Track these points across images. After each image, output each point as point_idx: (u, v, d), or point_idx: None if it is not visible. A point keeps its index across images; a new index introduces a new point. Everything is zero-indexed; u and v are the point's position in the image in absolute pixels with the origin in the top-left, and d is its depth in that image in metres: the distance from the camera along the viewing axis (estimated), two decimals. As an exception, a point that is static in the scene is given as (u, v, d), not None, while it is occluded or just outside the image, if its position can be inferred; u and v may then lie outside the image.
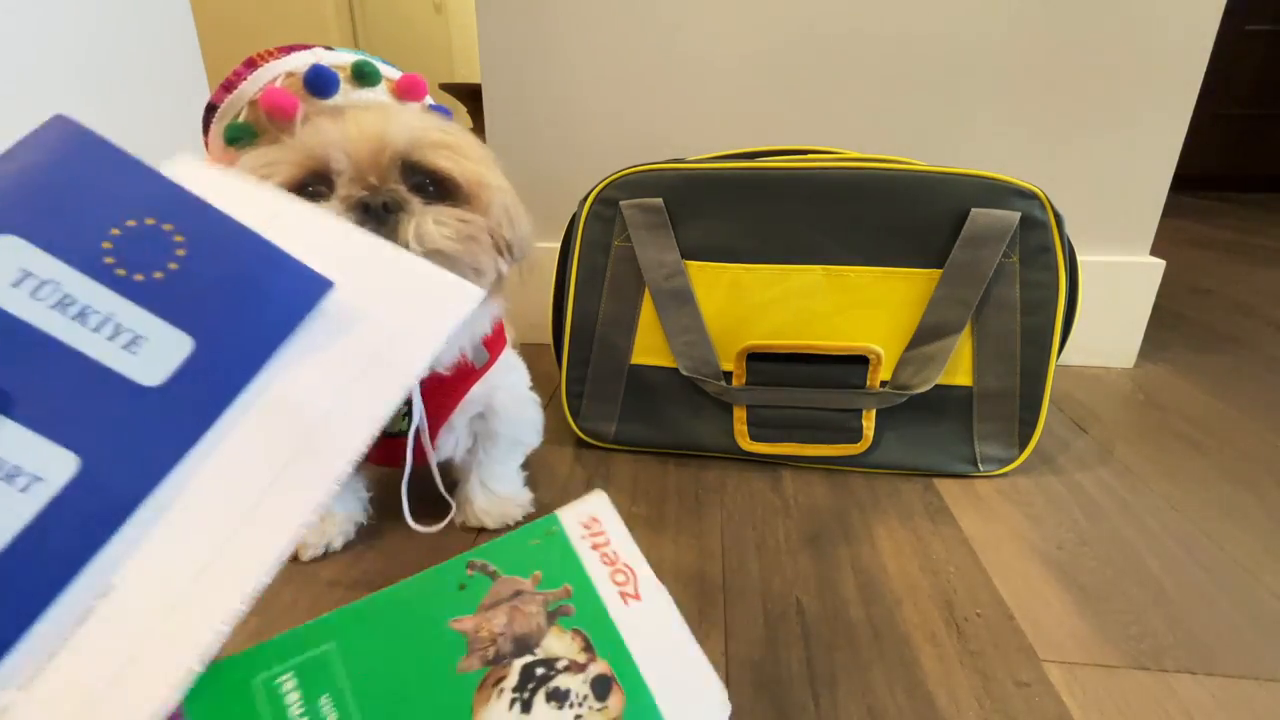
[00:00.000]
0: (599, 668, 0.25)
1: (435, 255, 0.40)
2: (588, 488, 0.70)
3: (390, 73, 0.46)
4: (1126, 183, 0.95)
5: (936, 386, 0.70)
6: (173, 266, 0.24)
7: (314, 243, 0.26)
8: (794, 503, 0.69)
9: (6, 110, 0.74)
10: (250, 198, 0.28)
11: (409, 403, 0.51)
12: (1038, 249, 0.68)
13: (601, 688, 0.25)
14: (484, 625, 0.24)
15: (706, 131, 0.98)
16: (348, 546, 0.60)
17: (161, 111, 0.90)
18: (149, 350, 0.23)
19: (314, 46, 0.45)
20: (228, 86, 0.44)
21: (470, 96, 2.70)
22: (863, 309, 0.70)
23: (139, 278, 0.23)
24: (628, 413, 0.76)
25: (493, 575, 0.26)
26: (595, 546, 0.27)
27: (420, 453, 0.54)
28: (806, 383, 0.72)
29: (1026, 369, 0.70)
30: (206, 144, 0.46)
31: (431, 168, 0.42)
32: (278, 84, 0.42)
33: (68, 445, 0.21)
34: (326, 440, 0.24)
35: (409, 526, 0.53)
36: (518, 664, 0.24)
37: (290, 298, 0.24)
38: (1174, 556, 0.60)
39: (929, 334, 0.69)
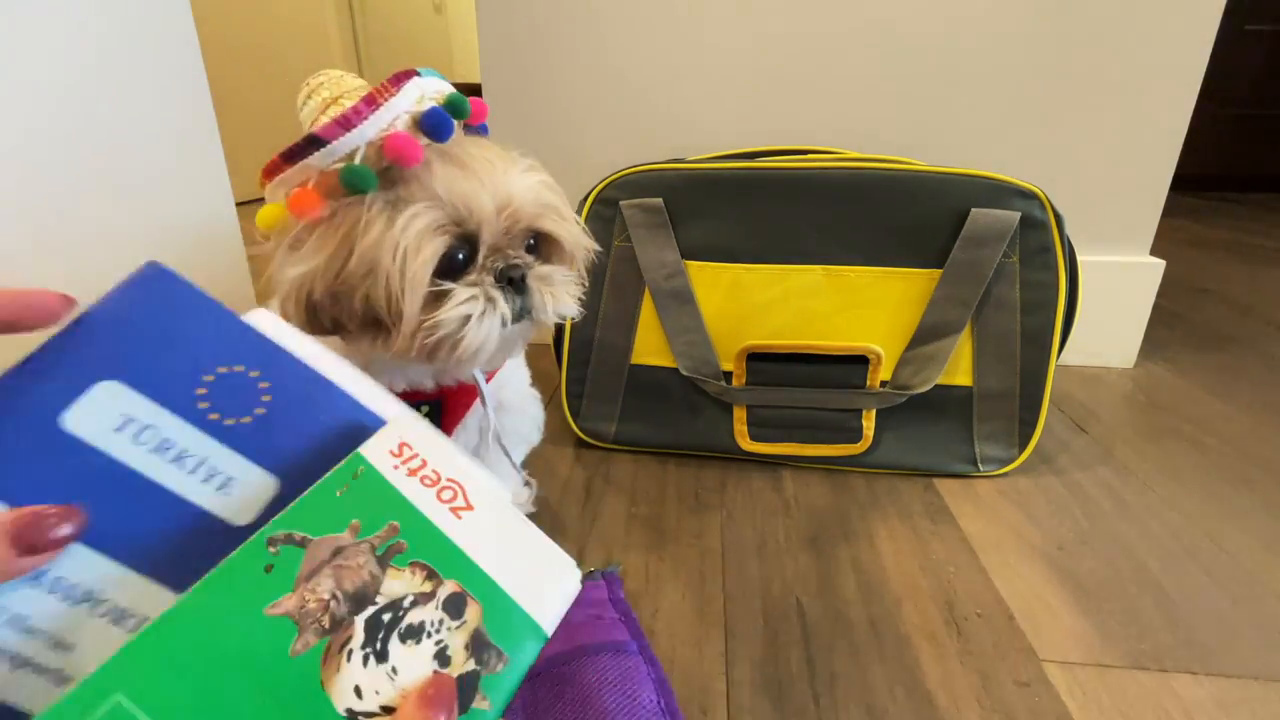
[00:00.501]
0: (448, 588, 0.25)
1: (558, 315, 0.46)
2: (588, 487, 0.70)
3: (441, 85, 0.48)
4: (1126, 183, 0.95)
5: (936, 386, 0.70)
6: (259, 411, 0.25)
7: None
8: (794, 503, 0.69)
9: (7, 111, 0.74)
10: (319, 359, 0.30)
11: (430, 401, 0.53)
12: (1038, 249, 0.68)
13: (455, 606, 0.25)
14: (309, 597, 0.23)
15: (706, 131, 0.98)
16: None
17: (162, 114, 0.90)
18: (239, 491, 0.24)
19: (412, 74, 0.45)
20: (343, 123, 0.43)
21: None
22: (863, 309, 0.70)
23: (230, 422, 0.25)
24: (628, 413, 0.76)
25: (301, 543, 0.24)
26: (412, 473, 0.26)
27: None
28: (806, 383, 0.72)
29: (1026, 369, 0.70)
30: (273, 170, 0.47)
31: (547, 233, 0.47)
32: (399, 124, 0.43)
33: (168, 584, 0.23)
34: None
35: None
36: (360, 620, 0.23)
37: (361, 440, 0.26)
38: (1174, 556, 0.60)
39: (929, 334, 0.69)
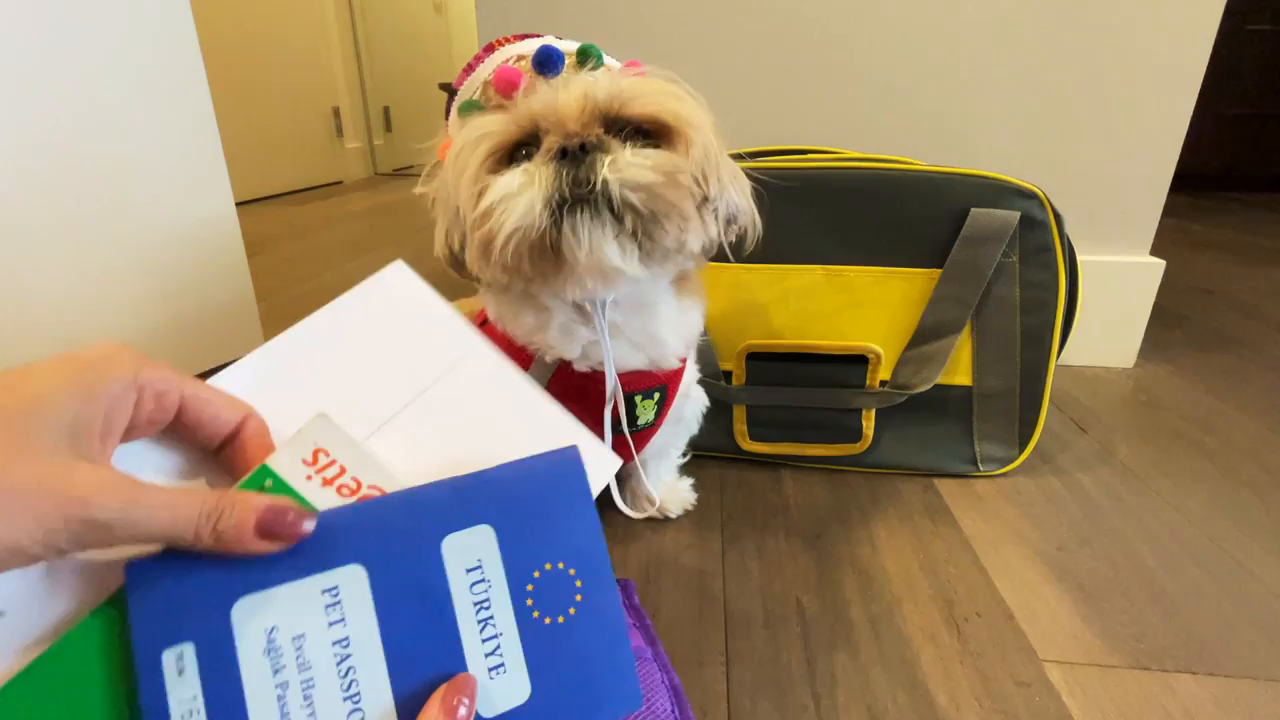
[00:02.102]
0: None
1: (638, 191, 0.39)
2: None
3: (612, 63, 0.47)
4: (1126, 183, 0.95)
5: (936, 386, 0.70)
6: (561, 619, 0.26)
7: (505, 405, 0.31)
8: (794, 503, 0.69)
9: (6, 112, 0.74)
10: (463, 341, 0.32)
11: (655, 394, 0.54)
12: (1038, 248, 0.68)
13: None
14: None
15: (706, 131, 0.98)
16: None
17: (162, 114, 0.90)
18: (501, 683, 0.25)
19: (548, 36, 0.47)
20: (468, 69, 0.47)
21: (470, 96, 2.69)
22: (862, 309, 0.70)
23: (536, 614, 0.26)
24: (628, 413, 0.76)
25: None
26: (328, 482, 0.26)
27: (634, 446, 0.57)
28: (806, 382, 0.72)
29: (1026, 369, 0.70)
30: (447, 127, 0.49)
31: (632, 111, 0.42)
32: (509, 64, 0.45)
33: (399, 709, 0.24)
34: None
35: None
36: None
37: (614, 700, 0.26)
38: (1174, 556, 0.60)
39: (929, 333, 0.69)
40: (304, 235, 1.98)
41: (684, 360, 0.56)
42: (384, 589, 0.25)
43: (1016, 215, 0.66)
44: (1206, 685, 0.47)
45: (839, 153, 0.73)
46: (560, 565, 0.27)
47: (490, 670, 0.25)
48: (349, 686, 0.24)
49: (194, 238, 0.96)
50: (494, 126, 0.42)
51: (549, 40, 0.46)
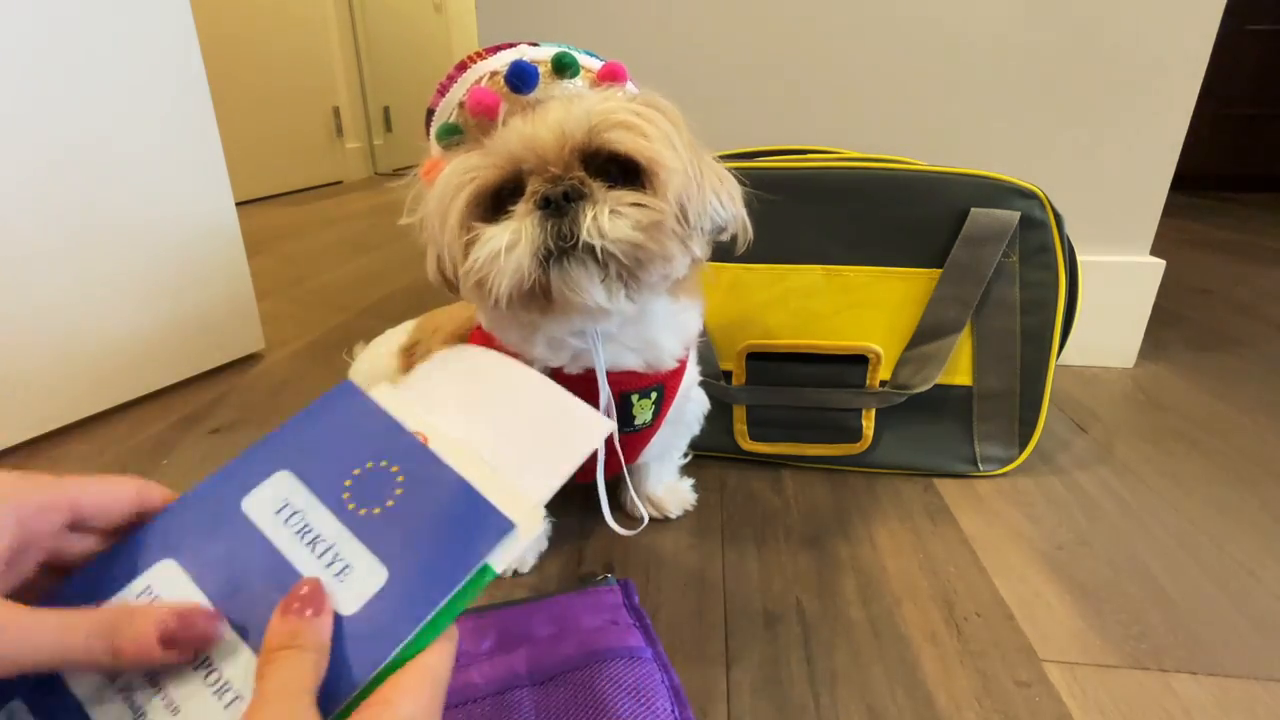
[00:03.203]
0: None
1: (620, 244, 0.40)
2: (588, 488, 0.70)
3: (591, 64, 0.46)
4: (1126, 183, 0.95)
5: (936, 386, 0.70)
6: (389, 504, 0.27)
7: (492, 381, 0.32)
8: (794, 503, 0.69)
9: (6, 113, 0.74)
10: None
11: (651, 393, 0.54)
12: (1037, 248, 0.68)
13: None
14: None
15: (706, 131, 0.97)
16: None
17: (162, 114, 0.90)
18: (351, 579, 0.25)
19: (520, 44, 0.46)
20: (441, 90, 0.46)
21: (470, 96, 2.69)
22: (862, 309, 0.70)
23: (363, 513, 0.27)
24: (628, 413, 0.76)
25: None
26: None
27: (629, 453, 0.57)
28: (806, 382, 0.72)
29: (1026, 369, 0.70)
30: (430, 168, 0.48)
31: (609, 151, 0.42)
32: (483, 84, 0.44)
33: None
34: None
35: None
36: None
37: (477, 539, 0.26)
38: (1174, 556, 0.60)
39: (929, 333, 0.69)
40: (304, 235, 1.98)
41: (682, 361, 0.56)
42: (200, 566, 0.26)
43: (1016, 215, 0.66)
44: (1206, 685, 0.47)
45: (839, 153, 0.73)
46: (369, 466, 0.28)
47: (336, 576, 0.25)
48: (201, 663, 0.24)
49: (194, 238, 0.96)
50: (475, 172, 0.42)
51: (523, 50, 0.45)
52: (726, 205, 0.47)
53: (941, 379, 0.70)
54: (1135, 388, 0.96)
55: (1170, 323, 1.19)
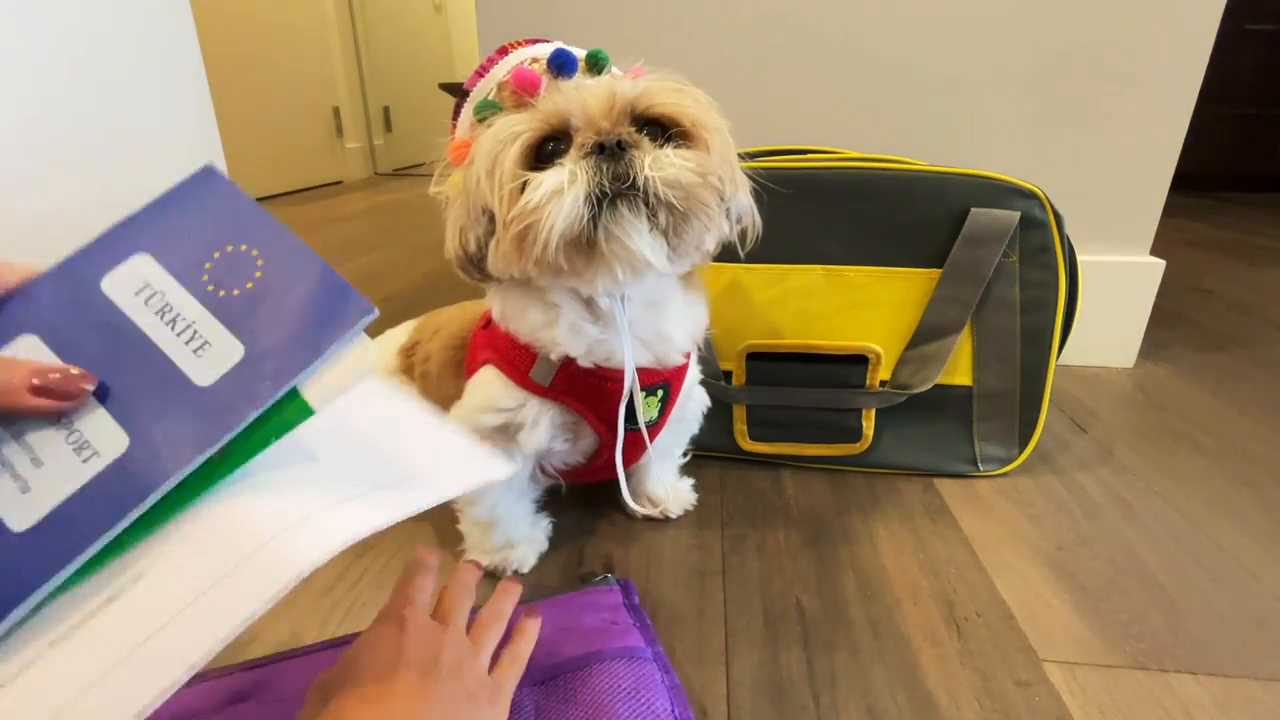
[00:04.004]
0: None
1: (676, 189, 0.41)
2: (588, 488, 0.70)
3: (616, 70, 0.49)
4: (1126, 183, 0.95)
5: (936, 386, 0.70)
6: (249, 285, 0.27)
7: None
8: (794, 503, 0.69)
9: (7, 113, 0.74)
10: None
11: (658, 391, 0.54)
12: (1037, 248, 0.68)
13: None
14: None
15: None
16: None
17: (162, 114, 0.90)
18: (209, 355, 0.26)
19: (555, 41, 0.48)
20: (480, 71, 0.48)
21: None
22: (862, 309, 0.70)
23: (222, 294, 0.27)
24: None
25: None
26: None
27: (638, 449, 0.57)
28: (806, 382, 0.72)
29: (1026, 369, 0.70)
30: (454, 128, 0.50)
31: (658, 112, 0.44)
32: (525, 66, 0.45)
33: (126, 428, 0.25)
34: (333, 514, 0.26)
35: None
36: None
37: (335, 317, 0.27)
38: (1174, 556, 0.60)
39: (929, 333, 0.69)
40: (304, 235, 1.97)
41: (688, 356, 0.56)
42: (62, 342, 0.26)
43: (1016, 215, 0.66)
44: (1206, 685, 0.47)
45: (839, 153, 0.73)
46: (229, 249, 0.28)
47: (195, 351, 0.26)
48: (63, 424, 0.25)
49: (194, 238, 0.96)
50: (524, 124, 0.43)
51: (560, 45, 0.47)
52: (743, 201, 0.49)
53: (941, 379, 0.70)
54: (1135, 388, 0.96)
55: (1170, 323, 1.19)
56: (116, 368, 0.26)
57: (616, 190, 0.41)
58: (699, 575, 0.58)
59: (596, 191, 0.40)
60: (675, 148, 0.43)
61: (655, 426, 0.57)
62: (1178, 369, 1.01)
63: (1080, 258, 0.70)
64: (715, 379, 0.73)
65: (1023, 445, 0.72)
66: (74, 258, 0.28)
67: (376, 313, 0.28)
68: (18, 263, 0.28)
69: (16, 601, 0.23)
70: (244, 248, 0.28)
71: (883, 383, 0.71)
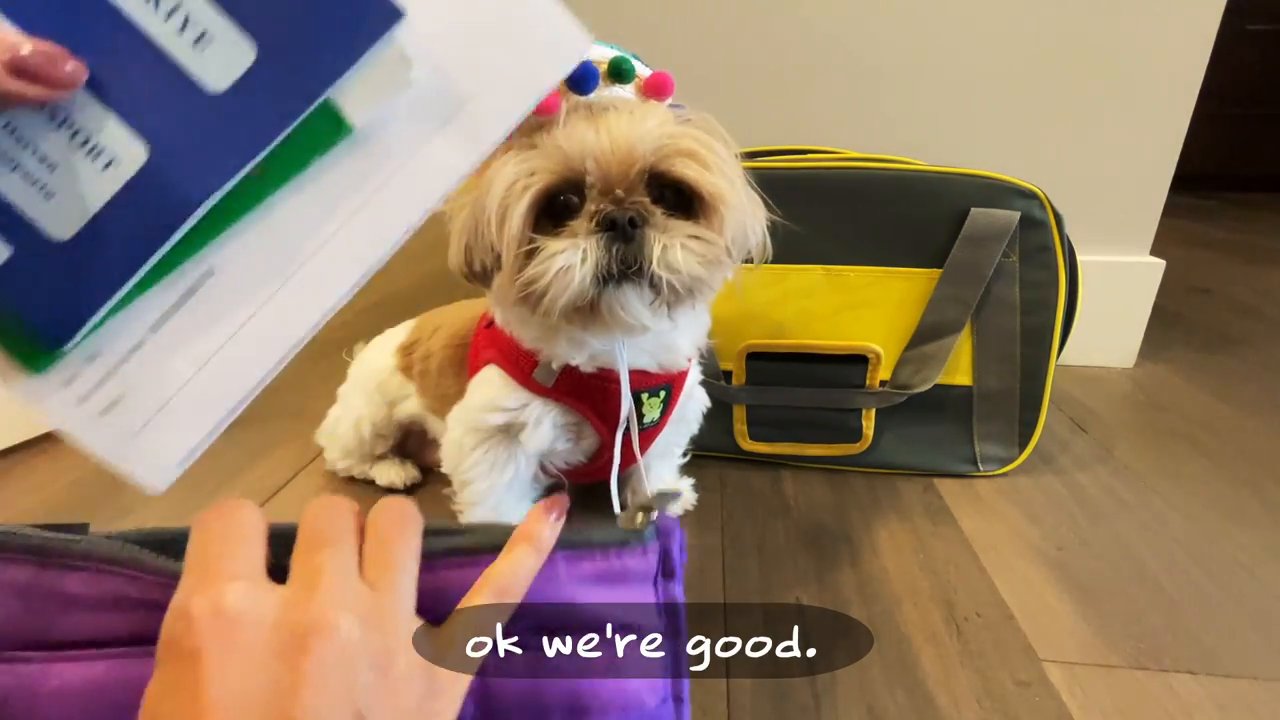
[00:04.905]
0: None
1: (677, 276, 0.42)
2: (588, 488, 0.70)
3: (641, 70, 0.47)
4: (1126, 183, 0.95)
5: (936, 386, 0.70)
6: None
7: None
8: (794, 503, 0.69)
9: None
10: None
11: (661, 391, 0.54)
12: (1037, 248, 0.68)
13: None
14: None
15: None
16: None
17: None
18: (214, 52, 0.22)
19: None
20: None
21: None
22: (862, 309, 0.70)
23: None
24: (627, 412, 0.76)
25: None
26: None
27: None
28: (806, 382, 0.72)
29: (1026, 369, 0.70)
30: None
31: (676, 178, 0.43)
32: None
33: (140, 134, 0.22)
34: (407, 178, 0.24)
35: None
36: None
37: (360, 26, 0.23)
38: (1174, 556, 0.60)
39: (929, 333, 0.69)
40: (304, 235, 1.98)
41: (690, 360, 0.56)
42: (26, 17, 0.22)
43: (1016, 215, 0.66)
44: (1206, 685, 0.47)
45: (839, 153, 0.73)
46: None
47: (194, 44, 0.22)
48: (62, 121, 0.22)
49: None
50: (537, 169, 0.42)
51: (593, 53, 0.45)
52: (756, 231, 0.49)
53: (941, 379, 0.70)
54: (1135, 388, 0.96)
55: (1170, 323, 1.19)
56: (100, 55, 0.22)
57: (623, 273, 0.41)
58: (699, 575, 0.58)
59: (604, 272, 0.41)
60: (689, 222, 0.43)
61: (657, 426, 0.57)
62: (1178, 369, 1.01)
63: (1080, 258, 0.70)
64: (715, 379, 0.73)
65: (1023, 445, 0.72)
66: None
67: (406, 13, 0.23)
68: None
69: (79, 319, 0.22)
70: None
71: (883, 383, 0.71)
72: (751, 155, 0.73)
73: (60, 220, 0.22)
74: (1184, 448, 0.79)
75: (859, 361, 0.71)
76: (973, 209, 0.67)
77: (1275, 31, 2.46)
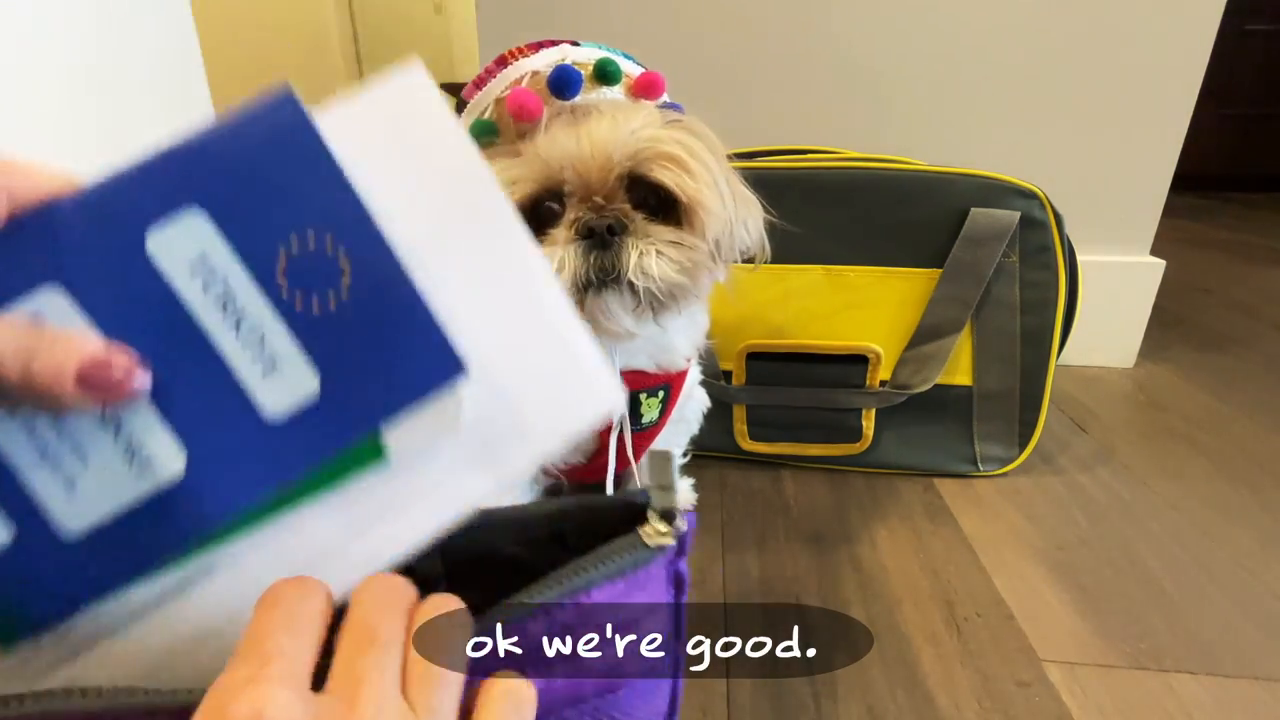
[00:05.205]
0: None
1: (660, 283, 0.41)
2: (588, 487, 0.70)
3: (630, 69, 0.47)
4: (1126, 183, 0.95)
5: (936, 386, 0.70)
6: (330, 301, 0.22)
7: (494, 269, 0.25)
8: (794, 503, 0.69)
9: (6, 112, 0.74)
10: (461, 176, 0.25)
11: (659, 392, 0.54)
12: (1037, 248, 0.68)
13: None
14: None
15: (706, 131, 0.98)
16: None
17: (162, 114, 0.90)
18: (279, 380, 0.22)
19: (562, 43, 0.46)
20: (478, 83, 0.46)
21: (470, 96, 2.70)
22: (862, 309, 0.70)
23: (298, 302, 0.22)
24: (628, 413, 0.76)
25: None
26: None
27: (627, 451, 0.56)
28: (806, 382, 0.72)
29: (1026, 369, 0.70)
30: None
31: (654, 183, 0.42)
32: (524, 83, 0.43)
33: (182, 443, 0.22)
34: (430, 502, 0.24)
35: None
36: None
37: (424, 373, 0.23)
38: (1174, 556, 0.60)
39: (929, 333, 0.69)
40: (304, 235, 1.98)
41: (689, 361, 0.56)
42: (96, 308, 0.21)
43: (1016, 215, 0.66)
44: (1206, 685, 0.47)
45: (839, 153, 0.73)
46: (310, 238, 0.22)
47: (263, 370, 0.22)
48: (118, 438, 0.22)
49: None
50: (517, 184, 0.41)
51: (565, 50, 0.45)
52: (752, 231, 0.48)
53: (941, 379, 0.70)
54: (1135, 388, 0.96)
55: (1170, 323, 1.19)
56: (165, 360, 0.21)
57: (602, 280, 0.41)
58: (699, 575, 0.58)
59: (582, 280, 0.41)
60: (669, 227, 0.43)
61: (655, 426, 0.57)
62: (1178, 369, 1.01)
63: (1080, 258, 0.70)
64: (715, 379, 0.73)
65: (1023, 445, 0.72)
66: (113, 185, 0.21)
67: (469, 373, 0.23)
68: (47, 170, 0.21)
69: (64, 614, 0.21)
70: (329, 244, 0.22)
71: (883, 383, 0.71)
72: (751, 155, 0.73)
73: (75, 515, 0.22)
74: (1184, 448, 0.79)
75: (859, 361, 0.71)
76: (973, 209, 0.67)
77: (1275, 31, 2.46)
